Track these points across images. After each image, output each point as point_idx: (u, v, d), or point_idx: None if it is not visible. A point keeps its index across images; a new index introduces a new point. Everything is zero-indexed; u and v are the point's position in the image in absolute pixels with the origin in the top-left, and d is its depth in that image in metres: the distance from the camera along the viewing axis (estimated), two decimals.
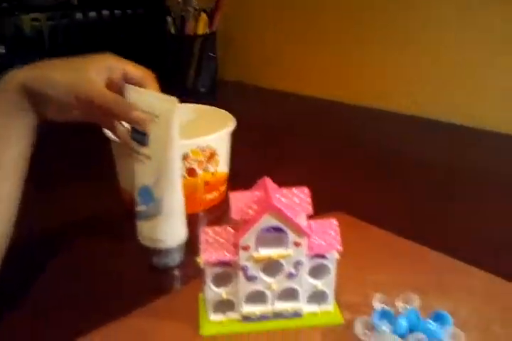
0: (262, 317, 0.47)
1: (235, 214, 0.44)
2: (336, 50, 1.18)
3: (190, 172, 0.66)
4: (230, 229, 0.45)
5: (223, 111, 0.75)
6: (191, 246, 0.58)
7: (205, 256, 0.44)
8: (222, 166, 0.70)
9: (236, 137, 0.71)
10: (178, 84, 1.21)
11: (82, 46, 1.20)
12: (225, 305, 0.46)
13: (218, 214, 0.69)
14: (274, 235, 0.44)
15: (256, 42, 1.31)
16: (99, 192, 0.75)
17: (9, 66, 1.17)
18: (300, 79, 1.25)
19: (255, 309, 0.46)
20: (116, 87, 0.51)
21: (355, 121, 1.07)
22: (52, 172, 0.83)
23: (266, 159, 0.86)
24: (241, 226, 0.44)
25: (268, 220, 0.43)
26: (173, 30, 1.22)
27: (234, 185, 0.72)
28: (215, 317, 0.47)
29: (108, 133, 0.66)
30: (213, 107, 0.77)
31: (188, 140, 0.63)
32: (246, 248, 0.44)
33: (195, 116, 0.76)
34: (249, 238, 0.43)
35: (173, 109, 0.50)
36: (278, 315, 0.47)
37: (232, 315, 0.47)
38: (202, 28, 1.20)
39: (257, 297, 0.46)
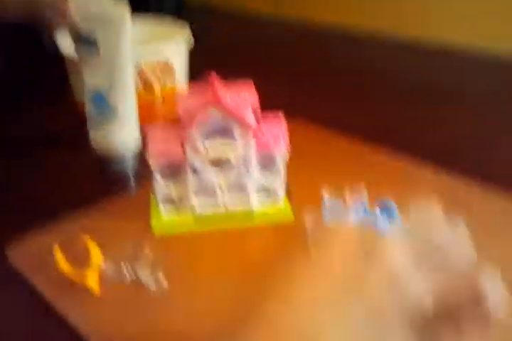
0: (216, 217, 0.47)
1: (181, 110, 0.43)
2: None
3: (147, 86, 0.65)
4: (178, 126, 0.45)
5: (181, 26, 0.73)
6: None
7: (153, 151, 0.44)
8: (180, 81, 0.69)
9: (199, 60, 0.70)
10: (139, 9, 1.17)
11: None
12: (175, 201, 0.47)
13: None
14: (221, 131, 0.44)
15: None
16: (54, 108, 0.74)
17: None
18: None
19: (206, 203, 0.47)
20: None
21: (324, 42, 1.06)
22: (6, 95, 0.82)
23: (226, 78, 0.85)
24: (188, 122, 0.44)
25: (213, 113, 0.42)
26: None
27: None
28: (166, 214, 0.47)
29: (62, 45, 0.64)
30: (171, 23, 0.75)
31: (143, 48, 0.62)
32: (193, 143, 0.44)
33: (152, 33, 0.74)
34: (196, 133, 0.43)
35: (122, 12, 0.49)
36: (230, 216, 0.47)
37: (185, 216, 0.47)
38: None
39: (207, 192, 0.46)
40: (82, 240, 0.43)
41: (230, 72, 0.63)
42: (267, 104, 0.47)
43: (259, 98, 0.45)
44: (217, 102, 0.42)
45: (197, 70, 0.70)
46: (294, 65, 0.94)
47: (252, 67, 0.88)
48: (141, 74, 0.63)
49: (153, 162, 0.44)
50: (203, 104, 0.43)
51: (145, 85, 0.65)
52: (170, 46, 0.65)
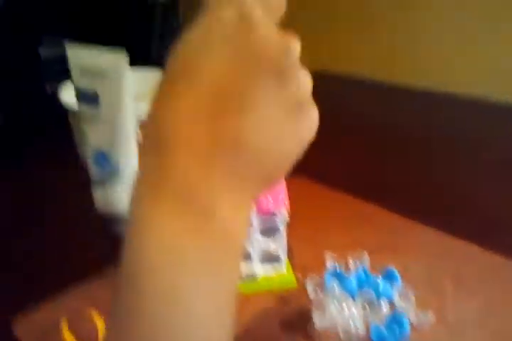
0: None
1: None
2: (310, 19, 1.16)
3: None
4: None
5: None
6: None
7: None
8: None
9: None
10: (142, 54, 1.19)
11: (46, 11, 1.16)
12: None
13: None
14: None
15: None
16: (60, 163, 0.73)
17: None
18: None
19: None
20: None
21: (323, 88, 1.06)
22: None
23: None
24: None
25: None
26: None
27: None
28: None
29: (64, 100, 0.64)
30: None
31: (144, 102, 0.62)
32: None
33: (152, 86, 0.74)
34: None
35: (121, 63, 0.48)
36: None
37: None
38: None
39: None
40: (90, 314, 0.41)
41: None
42: None
43: None
44: None
45: None
46: None
47: None
48: (142, 129, 0.63)
49: None
50: None
51: None
52: None
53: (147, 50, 1.19)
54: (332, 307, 0.42)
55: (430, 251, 0.51)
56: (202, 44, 0.24)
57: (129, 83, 0.50)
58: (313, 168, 0.67)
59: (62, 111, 0.64)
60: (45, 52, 1.18)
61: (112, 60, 0.48)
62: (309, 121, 0.25)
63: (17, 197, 0.66)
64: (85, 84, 0.51)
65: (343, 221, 0.57)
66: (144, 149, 0.24)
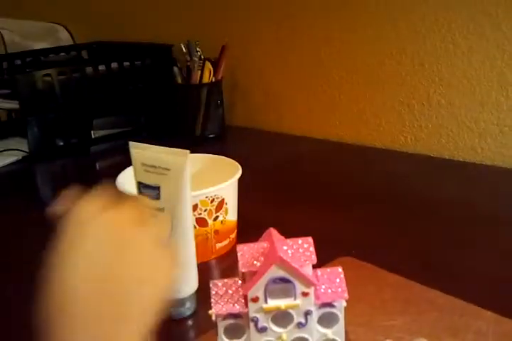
0: None
1: (242, 266, 0.45)
2: (336, 93, 1.21)
3: (200, 222, 0.68)
4: (239, 281, 0.47)
5: (230, 159, 0.77)
6: (204, 294, 0.59)
7: (216, 309, 0.45)
8: (231, 214, 0.71)
9: (243, 181, 0.72)
10: (187, 132, 1.25)
11: (93, 98, 1.25)
12: None
13: (230, 262, 0.70)
14: (282, 286, 0.45)
15: (260, 88, 1.35)
16: None
17: (24, 121, 1.21)
18: (305, 122, 1.28)
19: None
20: None
21: (361, 162, 1.09)
22: None
23: (274, 204, 0.88)
24: (249, 278, 0.45)
25: (275, 271, 0.44)
26: (179, 80, 1.26)
27: (243, 232, 0.74)
28: None
29: (121, 187, 0.68)
30: (219, 156, 0.79)
31: (197, 191, 0.65)
32: (255, 299, 0.45)
33: (202, 166, 0.78)
34: (257, 289, 0.44)
35: (184, 161, 0.52)
36: None
37: None
38: (207, 77, 1.24)
39: None
40: None
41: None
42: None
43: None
44: (279, 261, 0.44)
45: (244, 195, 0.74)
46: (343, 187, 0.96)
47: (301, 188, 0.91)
48: (195, 211, 0.66)
49: (219, 323, 0.45)
50: (264, 262, 0.45)
51: (197, 220, 0.67)
52: (226, 186, 0.69)
53: (192, 128, 1.25)
54: None
55: (487, 335, 0.51)
56: None
57: (188, 177, 0.53)
58: (362, 250, 0.68)
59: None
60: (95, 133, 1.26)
61: (177, 157, 0.52)
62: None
63: None
64: (148, 179, 0.55)
65: (400, 304, 0.57)
66: None
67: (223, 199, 0.69)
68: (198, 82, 1.25)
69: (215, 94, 1.26)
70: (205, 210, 0.67)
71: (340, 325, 0.47)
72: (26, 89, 1.17)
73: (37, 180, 1.14)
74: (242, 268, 0.45)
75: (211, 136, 1.26)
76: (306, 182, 0.99)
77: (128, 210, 0.37)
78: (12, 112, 1.37)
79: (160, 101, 1.34)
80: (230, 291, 0.46)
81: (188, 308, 0.58)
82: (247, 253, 0.46)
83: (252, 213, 0.77)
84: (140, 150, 0.56)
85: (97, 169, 1.18)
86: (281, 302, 0.45)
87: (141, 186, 0.56)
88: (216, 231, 0.70)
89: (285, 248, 0.45)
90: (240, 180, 0.72)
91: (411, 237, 0.74)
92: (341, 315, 0.47)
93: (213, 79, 1.25)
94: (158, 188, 0.54)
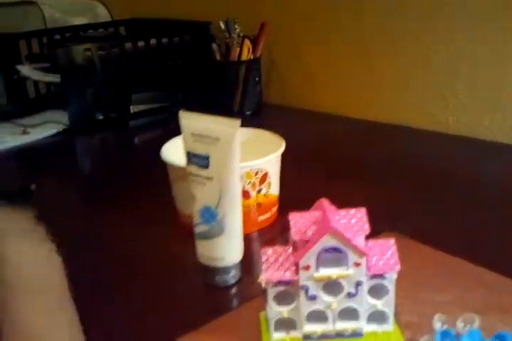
0: (323, 337, 0.47)
1: (295, 234, 0.45)
2: (377, 73, 1.19)
3: (244, 194, 0.68)
4: (289, 248, 0.47)
5: (273, 134, 0.77)
6: (246, 265, 0.60)
7: (267, 276, 0.45)
8: (273, 188, 0.71)
9: (282, 156, 0.72)
10: (224, 108, 1.25)
11: (132, 74, 1.25)
12: (286, 324, 0.47)
13: (271, 235, 0.71)
14: (334, 255, 0.45)
15: (299, 66, 1.33)
16: (155, 216, 0.77)
17: (64, 94, 1.23)
18: (341, 101, 1.26)
19: (316, 328, 0.47)
20: None
21: (399, 142, 1.07)
22: (107, 197, 0.87)
23: (314, 179, 0.88)
24: (301, 246, 0.45)
25: (327, 241, 0.44)
26: (218, 57, 1.26)
27: (285, 206, 0.74)
28: (277, 335, 0.48)
29: (164, 156, 0.69)
30: (263, 130, 0.79)
31: (242, 163, 0.65)
32: (306, 268, 0.45)
33: (246, 139, 0.78)
34: (309, 258, 0.44)
35: (234, 131, 0.52)
36: (339, 335, 0.48)
37: (294, 334, 0.48)
38: (246, 54, 1.24)
39: (318, 316, 0.47)
40: None
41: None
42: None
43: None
44: (333, 230, 0.43)
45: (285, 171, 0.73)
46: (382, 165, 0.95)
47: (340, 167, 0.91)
48: None
49: (269, 290, 0.46)
50: (317, 232, 0.44)
51: (241, 193, 0.68)
52: (270, 160, 0.69)
53: (230, 105, 1.25)
54: None
55: None
56: None
57: (238, 147, 0.54)
58: (409, 226, 0.68)
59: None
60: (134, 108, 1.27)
61: (227, 127, 0.52)
62: None
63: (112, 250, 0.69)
64: (197, 149, 0.55)
65: (445, 280, 0.57)
66: None
67: (267, 173, 0.69)
68: (236, 59, 1.24)
69: (254, 71, 1.26)
70: (249, 183, 0.68)
71: (390, 297, 0.47)
72: (67, 63, 1.18)
73: (76, 152, 1.16)
74: (294, 236, 0.45)
75: (248, 112, 1.26)
76: (344, 158, 0.98)
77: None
78: (51, 85, 1.39)
79: (198, 77, 1.34)
80: (281, 259, 0.46)
81: (233, 276, 0.58)
82: (299, 222, 0.46)
83: (293, 188, 0.77)
84: (190, 120, 0.56)
85: (135, 143, 1.19)
86: (333, 272, 0.45)
87: (191, 156, 0.56)
88: (259, 204, 0.70)
89: (337, 218, 0.45)
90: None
91: (456, 214, 0.73)
92: (392, 287, 0.47)
93: (252, 57, 1.25)
94: (207, 158, 0.54)
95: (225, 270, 0.58)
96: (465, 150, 1.00)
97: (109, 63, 1.22)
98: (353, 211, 0.46)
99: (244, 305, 0.55)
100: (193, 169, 0.56)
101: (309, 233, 0.45)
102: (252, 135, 0.78)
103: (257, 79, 1.27)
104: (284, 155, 0.72)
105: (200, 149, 0.55)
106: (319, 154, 1.01)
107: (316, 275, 0.45)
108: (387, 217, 0.69)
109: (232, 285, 0.58)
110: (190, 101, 1.32)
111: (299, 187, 0.81)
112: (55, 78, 1.23)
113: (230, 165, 0.54)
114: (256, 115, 1.26)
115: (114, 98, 1.24)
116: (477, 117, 1.05)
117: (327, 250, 0.44)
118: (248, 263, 0.61)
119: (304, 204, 0.49)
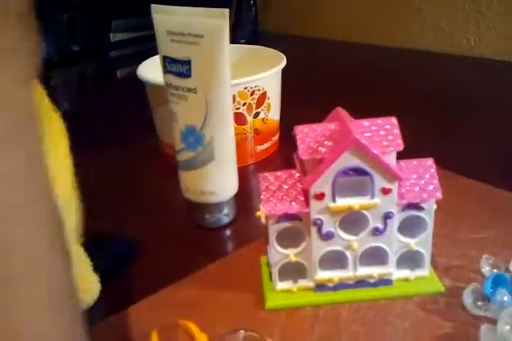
0: (341, 286, 0.37)
1: (303, 153, 0.34)
2: None
3: (238, 118, 0.56)
4: (296, 173, 0.36)
5: (272, 49, 0.65)
6: (242, 202, 0.49)
7: (268, 208, 0.34)
8: (273, 112, 0.60)
9: (283, 85, 0.61)
10: None
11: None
12: (294, 271, 0.37)
13: (271, 168, 0.59)
14: (356, 179, 0.34)
15: None
16: (138, 150, 0.66)
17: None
18: (347, 26, 1.13)
19: (332, 274, 0.37)
20: None
21: (405, 65, 0.95)
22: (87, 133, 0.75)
23: (318, 107, 0.76)
24: (312, 168, 0.34)
25: (347, 159, 0.33)
26: None
27: (288, 136, 0.63)
28: (282, 285, 0.37)
29: (143, 75, 0.57)
30: (260, 46, 0.67)
31: (234, 80, 0.53)
32: (319, 197, 0.34)
33: (239, 56, 0.66)
34: (323, 183, 0.33)
35: (222, 23, 0.40)
36: (361, 283, 0.37)
37: (304, 283, 0.37)
38: None
39: (335, 260, 0.36)
40: (183, 324, 0.34)
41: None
42: None
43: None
44: (355, 145, 0.32)
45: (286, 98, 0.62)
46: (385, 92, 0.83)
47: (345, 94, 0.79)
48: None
49: (271, 226, 0.35)
50: (334, 148, 0.33)
51: (234, 116, 0.56)
52: (268, 76, 0.56)
53: None
54: (502, 323, 0.32)
55: None
56: None
57: (227, 46, 0.41)
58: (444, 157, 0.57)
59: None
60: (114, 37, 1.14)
61: (212, 19, 0.40)
62: None
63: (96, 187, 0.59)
64: (175, 51, 0.43)
65: (487, 215, 0.46)
66: None
67: (265, 93, 0.57)
68: None
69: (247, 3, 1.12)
70: (244, 104, 0.56)
71: (428, 234, 0.36)
72: None
73: (55, 87, 1.03)
74: (302, 155, 0.34)
75: (242, 41, 1.12)
76: (353, 84, 0.87)
77: None
78: None
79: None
80: (286, 186, 0.35)
81: (226, 215, 0.47)
82: (309, 137, 0.34)
83: (297, 115, 0.65)
84: (165, 15, 0.43)
85: (116, 76, 1.06)
86: (354, 201, 0.34)
87: (168, 61, 0.44)
88: (256, 131, 0.58)
89: (360, 130, 0.34)
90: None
91: (489, 144, 0.62)
92: (430, 221, 0.36)
93: None
94: (188, 62, 0.42)
95: (217, 207, 0.47)
96: (488, 73, 0.88)
97: None
98: (379, 121, 0.35)
99: (241, 250, 0.44)
100: (172, 79, 0.44)
101: (323, 150, 0.34)
102: (247, 52, 0.66)
103: (251, 2, 1.13)
104: (287, 83, 0.60)
105: (179, 52, 0.42)
106: (325, 81, 0.89)
107: (333, 205, 0.34)
108: (417, 146, 0.58)
109: (226, 226, 0.48)
110: None
111: (303, 116, 0.69)
112: None
113: (218, 71, 0.42)
114: (251, 44, 1.12)
115: (91, 25, 1.10)
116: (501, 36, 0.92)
117: (346, 172, 0.33)
118: (244, 202, 0.50)
119: None
